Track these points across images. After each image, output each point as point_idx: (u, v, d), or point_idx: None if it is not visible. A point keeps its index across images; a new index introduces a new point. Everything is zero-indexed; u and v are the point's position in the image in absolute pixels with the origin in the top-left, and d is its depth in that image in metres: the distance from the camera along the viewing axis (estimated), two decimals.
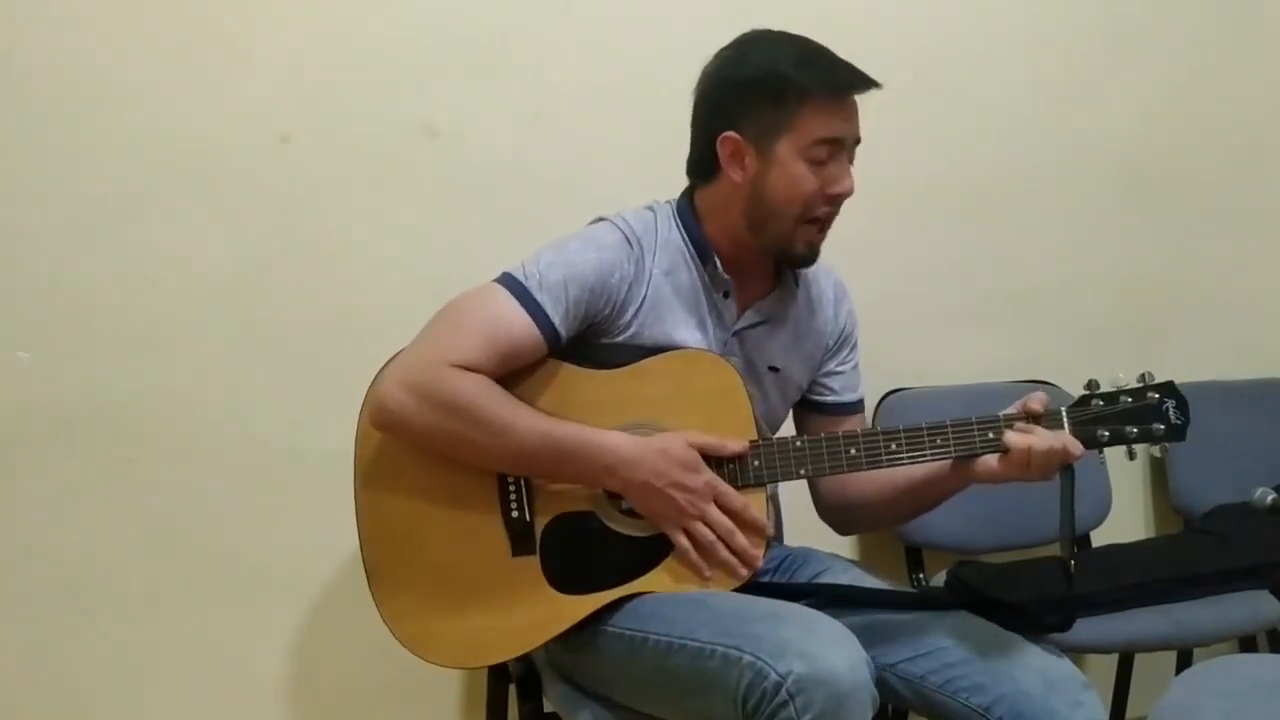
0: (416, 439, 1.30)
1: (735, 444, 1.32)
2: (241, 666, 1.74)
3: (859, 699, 1.13)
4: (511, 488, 1.33)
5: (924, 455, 1.33)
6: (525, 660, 1.46)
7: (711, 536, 1.30)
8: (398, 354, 1.33)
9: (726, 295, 1.41)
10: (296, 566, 1.75)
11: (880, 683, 1.19)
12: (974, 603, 1.39)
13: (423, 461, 1.32)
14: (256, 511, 1.73)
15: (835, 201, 1.35)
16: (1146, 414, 1.33)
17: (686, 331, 1.38)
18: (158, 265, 1.68)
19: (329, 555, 1.74)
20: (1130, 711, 2.07)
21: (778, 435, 1.48)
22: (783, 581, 1.45)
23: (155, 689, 1.71)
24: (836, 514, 1.52)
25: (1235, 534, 1.84)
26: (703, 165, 1.39)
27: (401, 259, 1.76)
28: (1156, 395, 1.33)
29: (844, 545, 1.94)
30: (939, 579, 1.82)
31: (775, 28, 1.38)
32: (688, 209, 1.42)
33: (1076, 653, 1.53)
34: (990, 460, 1.31)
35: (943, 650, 1.31)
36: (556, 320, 1.30)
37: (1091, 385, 1.35)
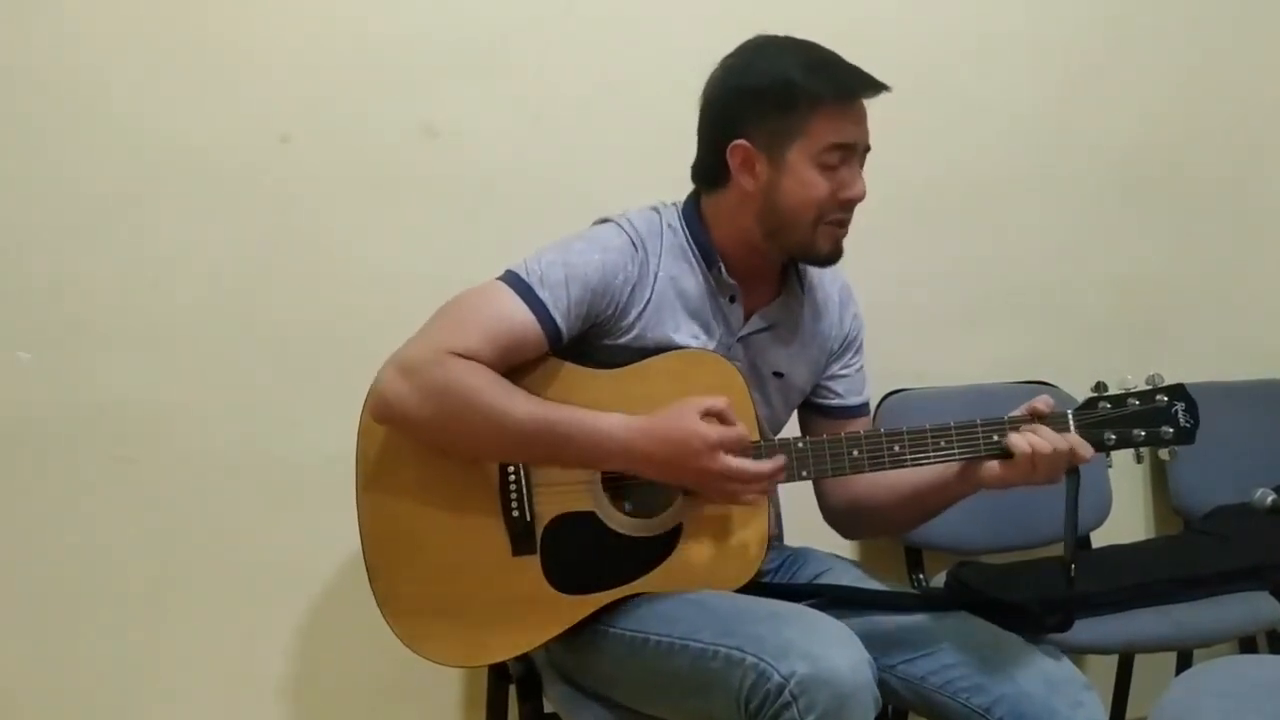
0: (416, 429, 1.30)
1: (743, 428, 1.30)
2: (242, 666, 1.74)
3: (861, 699, 1.13)
4: (512, 487, 1.33)
5: (928, 457, 1.32)
6: (525, 660, 1.46)
7: (730, 490, 1.27)
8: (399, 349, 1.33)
9: (732, 300, 1.41)
10: (297, 566, 1.75)
11: (880, 683, 1.18)
12: (974, 603, 1.39)
13: (424, 460, 1.32)
14: (256, 511, 1.73)
15: (848, 206, 1.35)
16: (1155, 417, 1.32)
17: (689, 335, 1.38)
18: (158, 265, 1.68)
19: (329, 555, 1.74)
20: (1130, 712, 2.07)
21: (779, 436, 1.48)
22: (783, 582, 1.45)
23: (155, 689, 1.71)
24: (842, 518, 1.52)
25: (1235, 535, 1.84)
26: (711, 172, 1.39)
27: (401, 259, 1.76)
28: (1165, 398, 1.32)
29: (844, 546, 1.93)
30: (939, 580, 1.83)
31: (777, 31, 1.38)
32: (694, 213, 1.41)
33: (1077, 653, 1.53)
34: (995, 465, 1.30)
35: (943, 651, 1.31)
36: (558, 317, 1.30)
37: (1099, 387, 1.34)
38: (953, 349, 2.06)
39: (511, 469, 1.33)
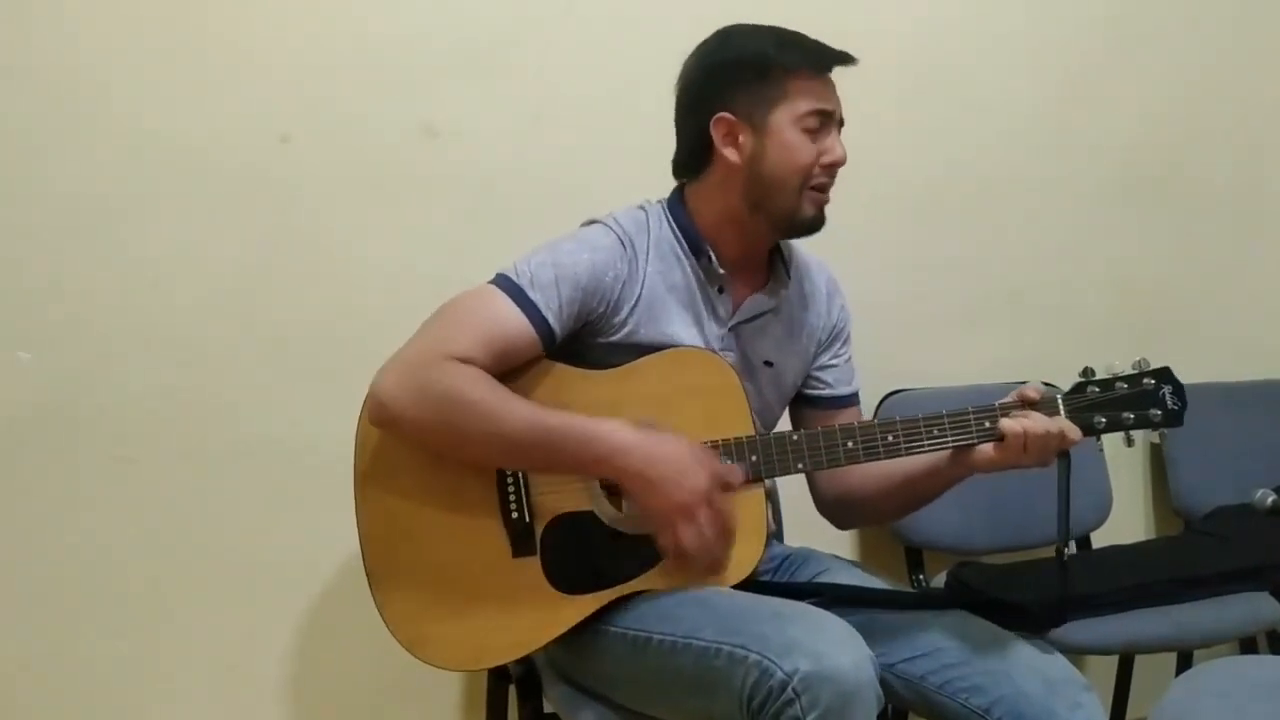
0: (413, 433, 1.30)
1: (739, 475, 1.29)
2: (241, 667, 1.74)
3: (864, 697, 1.13)
4: (510, 488, 1.33)
5: (921, 446, 1.33)
6: (525, 661, 1.46)
7: (697, 540, 1.25)
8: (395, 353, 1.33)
9: (721, 290, 1.41)
10: (297, 567, 1.75)
11: (880, 683, 1.18)
12: (974, 603, 1.39)
13: (422, 463, 1.32)
14: (256, 512, 1.73)
15: (831, 171, 1.37)
16: (1143, 400, 1.33)
17: (682, 328, 1.38)
18: (158, 265, 1.68)
19: (329, 555, 1.74)
20: (1130, 712, 2.07)
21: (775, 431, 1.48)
22: (784, 581, 1.45)
23: (155, 689, 1.71)
24: (834, 508, 1.52)
25: (1235, 535, 1.84)
26: (693, 157, 1.40)
27: (401, 258, 1.76)
28: (1153, 381, 1.33)
29: (844, 546, 1.94)
30: (939, 580, 1.83)
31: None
32: (679, 205, 1.42)
33: (1077, 653, 1.53)
34: (987, 448, 1.32)
35: (942, 651, 1.31)
36: (550, 317, 1.31)
37: (1087, 373, 1.35)
38: (952, 349, 2.06)
39: (509, 470, 1.33)
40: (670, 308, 1.38)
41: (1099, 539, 2.00)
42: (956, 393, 1.98)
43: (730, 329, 1.42)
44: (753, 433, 1.35)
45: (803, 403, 1.54)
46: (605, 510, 1.34)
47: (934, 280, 2.05)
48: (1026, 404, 1.32)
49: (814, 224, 1.39)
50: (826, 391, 1.52)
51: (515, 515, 1.33)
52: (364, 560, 1.33)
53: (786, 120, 1.34)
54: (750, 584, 1.33)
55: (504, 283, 1.32)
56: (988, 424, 1.32)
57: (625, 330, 1.36)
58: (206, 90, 1.68)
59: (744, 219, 1.39)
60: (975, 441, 1.32)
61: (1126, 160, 2.16)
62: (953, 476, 1.38)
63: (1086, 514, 1.98)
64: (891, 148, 1.95)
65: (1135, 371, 1.34)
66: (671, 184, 1.46)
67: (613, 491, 1.35)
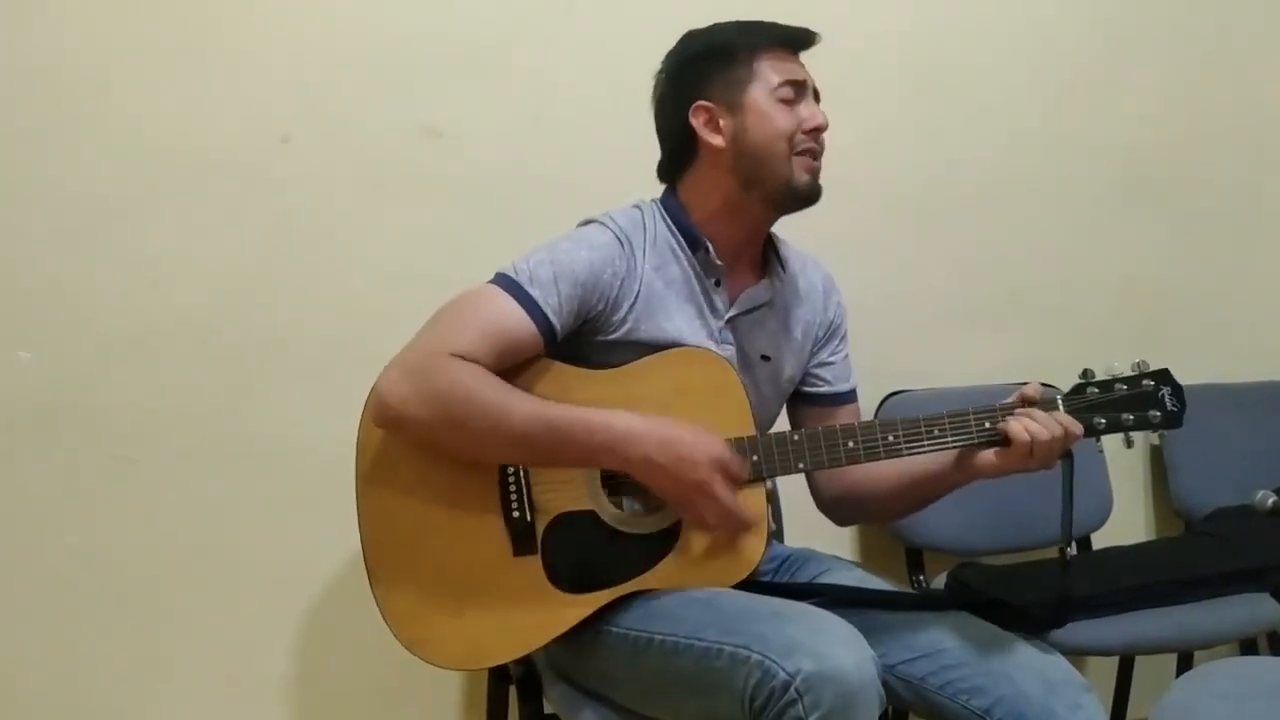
0: (417, 432, 1.30)
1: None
2: (241, 667, 1.74)
3: (866, 697, 1.13)
4: (512, 487, 1.33)
5: (922, 446, 1.33)
6: (525, 661, 1.46)
7: (718, 511, 1.26)
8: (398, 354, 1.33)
9: (718, 283, 1.42)
10: (297, 567, 1.75)
11: (881, 683, 1.18)
12: (974, 604, 1.40)
13: (424, 463, 1.32)
14: (256, 512, 1.73)
15: (816, 136, 1.39)
16: (1142, 401, 1.34)
17: (683, 322, 1.38)
18: (158, 265, 1.68)
19: (329, 556, 1.74)
20: (1131, 713, 2.07)
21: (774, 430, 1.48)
22: (784, 581, 1.45)
23: (155, 689, 1.71)
24: (834, 505, 1.53)
25: (1236, 536, 1.84)
26: (678, 151, 1.42)
27: (402, 259, 1.76)
28: (1152, 383, 1.34)
29: (844, 547, 1.94)
30: (939, 581, 1.83)
31: None
32: (673, 201, 1.43)
33: (1077, 654, 1.53)
34: (991, 454, 1.32)
35: (942, 652, 1.31)
36: (550, 313, 1.31)
37: (1086, 374, 1.36)
38: (953, 350, 2.06)
39: (511, 469, 1.33)
40: (669, 303, 1.38)
41: (1099, 540, 2.00)
42: (956, 393, 1.98)
43: (727, 322, 1.43)
44: (754, 432, 1.35)
45: (801, 400, 1.54)
46: (606, 510, 1.34)
47: (934, 280, 2.06)
48: (1027, 404, 1.32)
49: (810, 191, 1.39)
50: (825, 389, 1.53)
51: (517, 514, 1.33)
52: (365, 559, 1.33)
53: (762, 94, 1.37)
54: (751, 584, 1.33)
55: (504, 281, 1.33)
56: (988, 425, 1.32)
57: (625, 328, 1.36)
58: (207, 90, 1.68)
59: (740, 201, 1.39)
60: (976, 442, 1.32)
61: (1127, 161, 2.16)
62: (956, 481, 1.38)
63: (1087, 515, 1.98)
64: (892, 148, 1.95)
65: (1135, 373, 1.35)
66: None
67: (614, 491, 1.35)
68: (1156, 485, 2.20)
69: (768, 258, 1.48)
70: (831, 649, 1.14)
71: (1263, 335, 2.26)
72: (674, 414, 1.31)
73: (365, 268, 1.76)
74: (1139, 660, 2.05)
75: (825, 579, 1.43)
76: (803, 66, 1.40)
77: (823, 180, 1.40)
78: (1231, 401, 2.13)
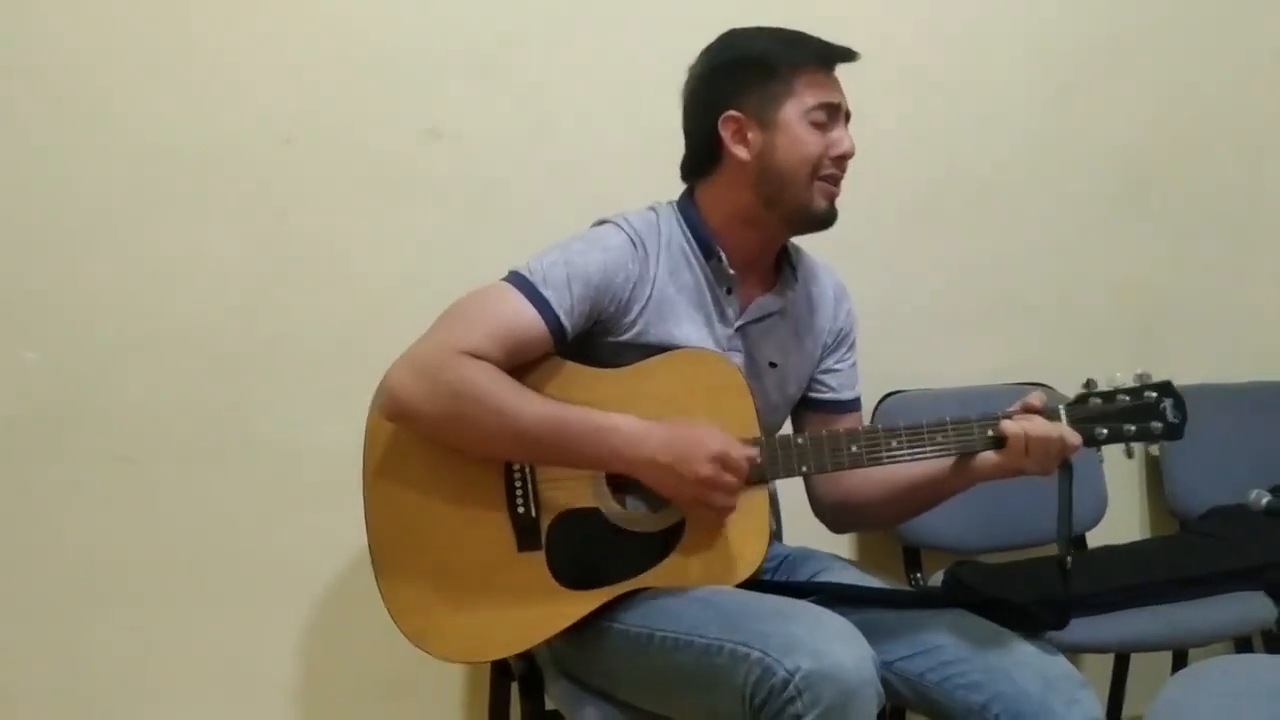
0: (426, 427, 1.31)
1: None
2: (243, 665, 1.74)
3: (865, 695, 1.14)
4: (518, 483, 1.34)
5: (925, 452, 1.34)
6: (527, 657, 1.46)
7: (729, 502, 1.28)
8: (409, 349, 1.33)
9: (729, 291, 1.42)
10: (297, 566, 1.75)
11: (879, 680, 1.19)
12: (972, 602, 1.40)
13: (430, 457, 1.32)
14: (257, 511, 1.73)
15: (840, 163, 1.38)
16: (1144, 412, 1.34)
17: (692, 328, 1.39)
18: (161, 267, 1.68)
19: (329, 555, 1.75)
20: (1126, 711, 2.08)
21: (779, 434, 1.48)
22: (784, 580, 1.46)
23: (157, 688, 1.71)
24: (832, 512, 1.53)
25: (1231, 536, 1.85)
26: (702, 157, 1.41)
27: (403, 261, 1.77)
28: (1154, 394, 1.35)
29: (843, 546, 1.95)
30: (937, 579, 1.83)
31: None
32: (690, 206, 1.43)
33: (1073, 652, 1.53)
34: (989, 455, 1.33)
35: (940, 648, 1.31)
36: (561, 314, 1.32)
37: (1089, 384, 1.36)
38: (952, 351, 2.07)
39: (517, 465, 1.34)
40: (679, 309, 1.39)
41: (1095, 539, 2.01)
42: (955, 394, 1.99)
43: (737, 329, 1.43)
44: (758, 434, 1.35)
45: (805, 405, 1.54)
46: (610, 508, 1.35)
47: (934, 282, 2.06)
48: (1029, 412, 1.33)
49: (826, 217, 1.40)
50: (829, 395, 1.53)
51: (522, 510, 1.33)
52: (370, 551, 1.33)
53: (795, 115, 1.35)
54: (751, 583, 1.34)
55: (517, 280, 1.33)
56: (991, 432, 1.32)
57: (634, 331, 1.37)
58: (210, 93, 1.69)
59: (756, 216, 1.40)
60: (978, 449, 1.33)
61: (1126, 163, 2.16)
62: (955, 487, 1.38)
63: (1083, 514, 1.98)
64: (892, 150, 1.95)
65: (1137, 384, 1.35)
66: (677, 185, 1.47)
67: (618, 489, 1.35)
68: (1151, 485, 2.21)
69: (780, 265, 1.48)
70: (830, 647, 1.15)
71: (1258, 336, 2.26)
72: (680, 413, 1.32)
73: (367, 269, 1.76)
74: (1134, 658, 2.05)
75: (824, 577, 1.44)
76: (839, 87, 1.39)
77: None
78: (1228, 401, 2.13)
